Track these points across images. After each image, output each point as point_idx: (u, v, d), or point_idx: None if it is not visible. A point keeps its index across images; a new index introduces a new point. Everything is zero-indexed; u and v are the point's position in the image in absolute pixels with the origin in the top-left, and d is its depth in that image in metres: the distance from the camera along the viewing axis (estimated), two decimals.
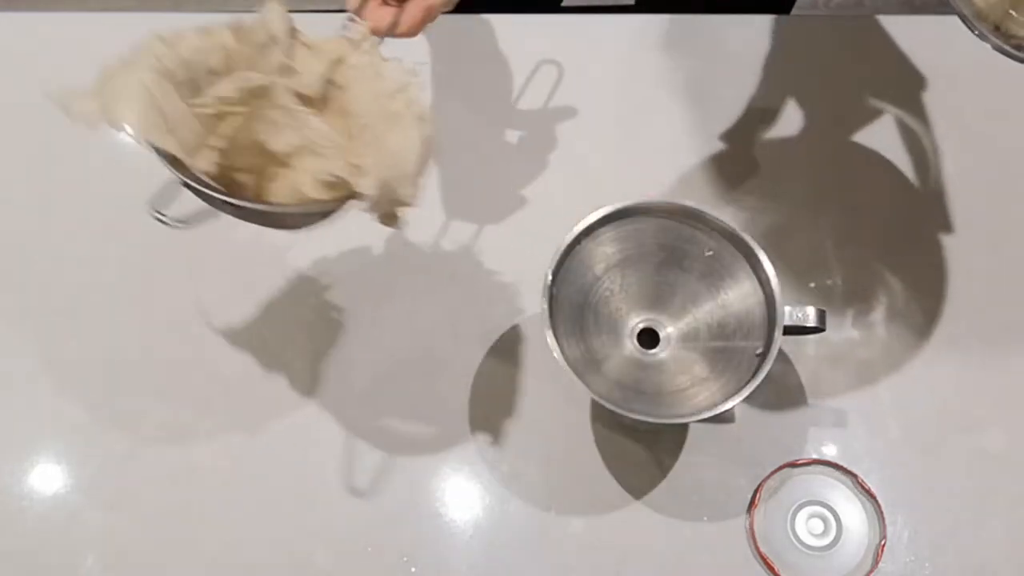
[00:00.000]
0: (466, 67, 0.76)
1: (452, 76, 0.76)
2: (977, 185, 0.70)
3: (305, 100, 0.51)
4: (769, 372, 0.53)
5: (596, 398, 0.54)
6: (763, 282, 0.57)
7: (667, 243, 0.61)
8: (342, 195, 0.49)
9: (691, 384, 0.59)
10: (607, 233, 0.60)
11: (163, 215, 0.48)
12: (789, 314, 0.56)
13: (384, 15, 0.54)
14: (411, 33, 0.55)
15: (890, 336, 0.65)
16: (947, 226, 0.69)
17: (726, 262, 0.59)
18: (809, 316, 0.56)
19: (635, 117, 0.74)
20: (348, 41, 0.53)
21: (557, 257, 0.57)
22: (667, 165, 0.71)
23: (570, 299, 0.59)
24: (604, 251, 0.61)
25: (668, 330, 0.62)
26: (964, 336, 0.65)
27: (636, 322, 0.62)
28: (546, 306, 0.55)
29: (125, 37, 0.80)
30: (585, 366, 0.58)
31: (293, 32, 0.52)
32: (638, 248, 0.61)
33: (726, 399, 0.53)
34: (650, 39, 0.77)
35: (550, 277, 0.56)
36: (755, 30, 0.78)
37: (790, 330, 0.56)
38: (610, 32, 0.78)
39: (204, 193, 0.47)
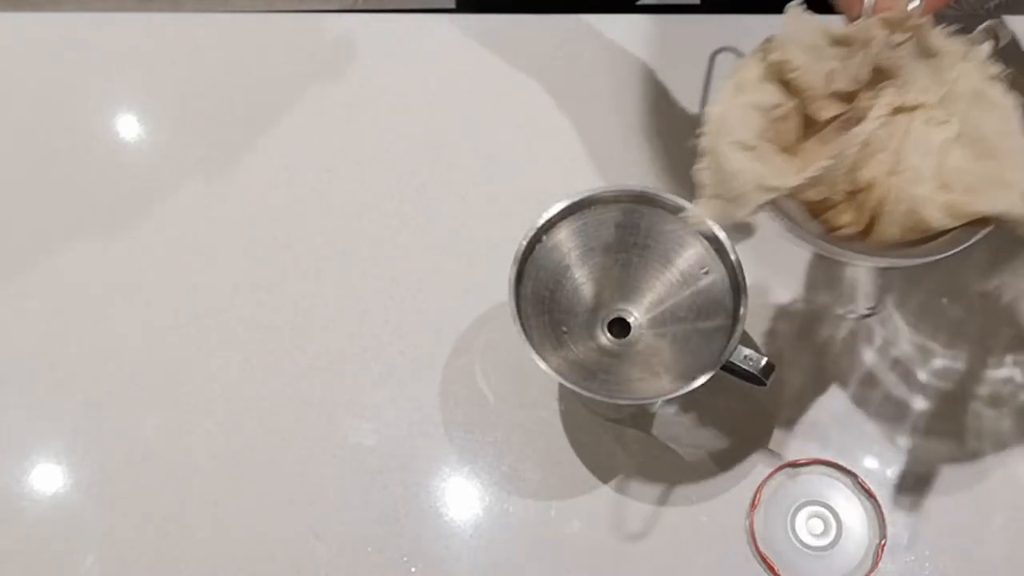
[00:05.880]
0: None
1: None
2: None
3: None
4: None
5: (575, 388, 0.53)
6: (730, 268, 0.56)
7: (630, 230, 0.60)
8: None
9: (663, 370, 0.58)
10: (569, 226, 0.59)
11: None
12: (742, 357, 0.53)
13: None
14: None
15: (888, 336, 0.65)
16: None
17: (691, 246, 0.58)
18: (756, 363, 0.53)
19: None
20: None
21: (519, 255, 0.56)
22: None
23: (538, 295, 0.58)
24: (567, 244, 0.60)
25: (637, 318, 0.61)
26: (945, 334, 0.65)
27: (605, 313, 0.62)
28: (514, 306, 0.55)
29: (125, 37, 0.80)
30: (563, 365, 0.57)
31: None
32: (601, 239, 0.60)
33: (692, 380, 0.53)
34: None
35: (514, 276, 0.56)
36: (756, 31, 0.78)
37: (729, 368, 0.54)
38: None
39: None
